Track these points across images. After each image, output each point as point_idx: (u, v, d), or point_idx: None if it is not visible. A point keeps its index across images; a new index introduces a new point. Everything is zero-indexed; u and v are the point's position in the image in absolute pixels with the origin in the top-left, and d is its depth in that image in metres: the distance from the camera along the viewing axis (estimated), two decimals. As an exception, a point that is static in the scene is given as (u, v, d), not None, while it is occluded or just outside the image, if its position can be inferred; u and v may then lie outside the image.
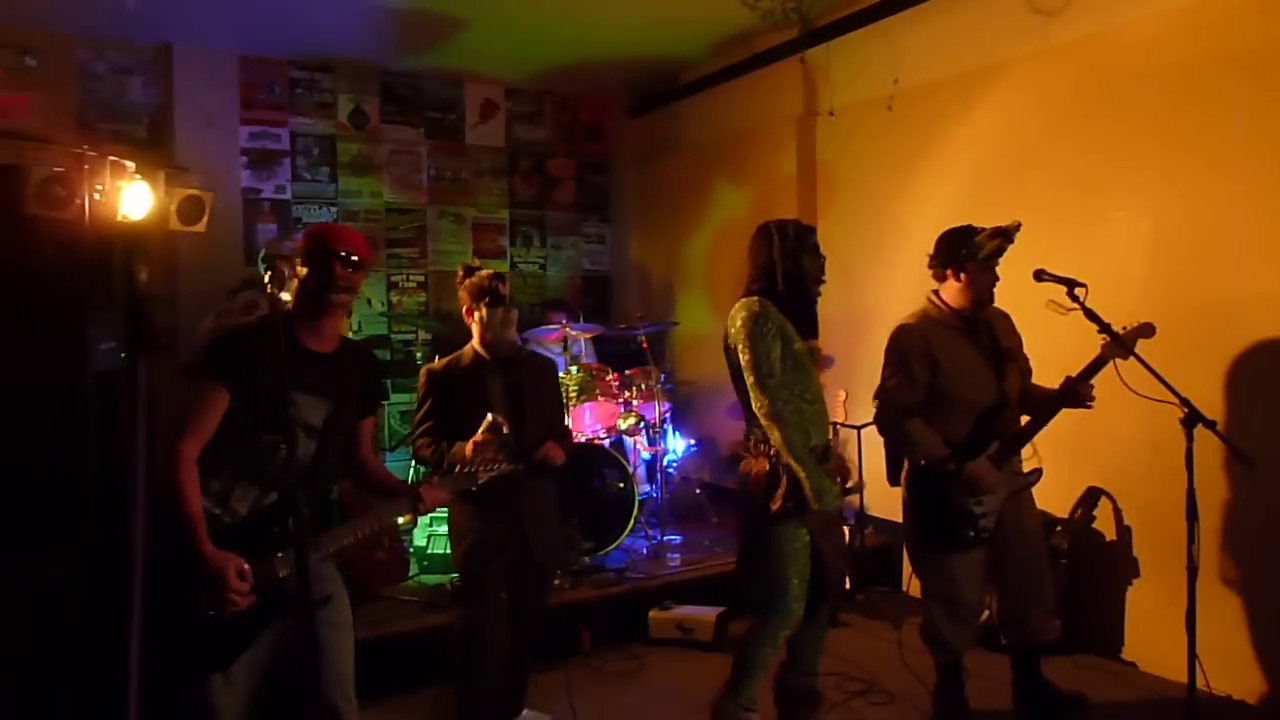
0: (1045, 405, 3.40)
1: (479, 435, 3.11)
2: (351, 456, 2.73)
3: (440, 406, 3.42)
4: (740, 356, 3.12)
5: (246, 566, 2.28)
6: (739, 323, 3.14)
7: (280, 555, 2.37)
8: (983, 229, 3.37)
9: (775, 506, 3.09)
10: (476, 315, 3.43)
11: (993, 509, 3.37)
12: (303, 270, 2.49)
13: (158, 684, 2.41)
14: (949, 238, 3.44)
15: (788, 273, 3.20)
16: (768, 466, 3.12)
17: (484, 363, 3.46)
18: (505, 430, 3.12)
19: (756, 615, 3.26)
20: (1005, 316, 3.57)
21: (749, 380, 3.11)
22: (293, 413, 2.37)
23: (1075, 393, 3.31)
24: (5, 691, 3.46)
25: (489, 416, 3.14)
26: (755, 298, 3.18)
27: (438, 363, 3.54)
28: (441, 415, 3.40)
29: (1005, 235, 3.31)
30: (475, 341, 3.49)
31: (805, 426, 3.14)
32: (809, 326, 3.24)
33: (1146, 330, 3.25)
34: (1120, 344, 3.20)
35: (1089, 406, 3.32)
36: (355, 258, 2.49)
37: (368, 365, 2.74)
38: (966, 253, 3.35)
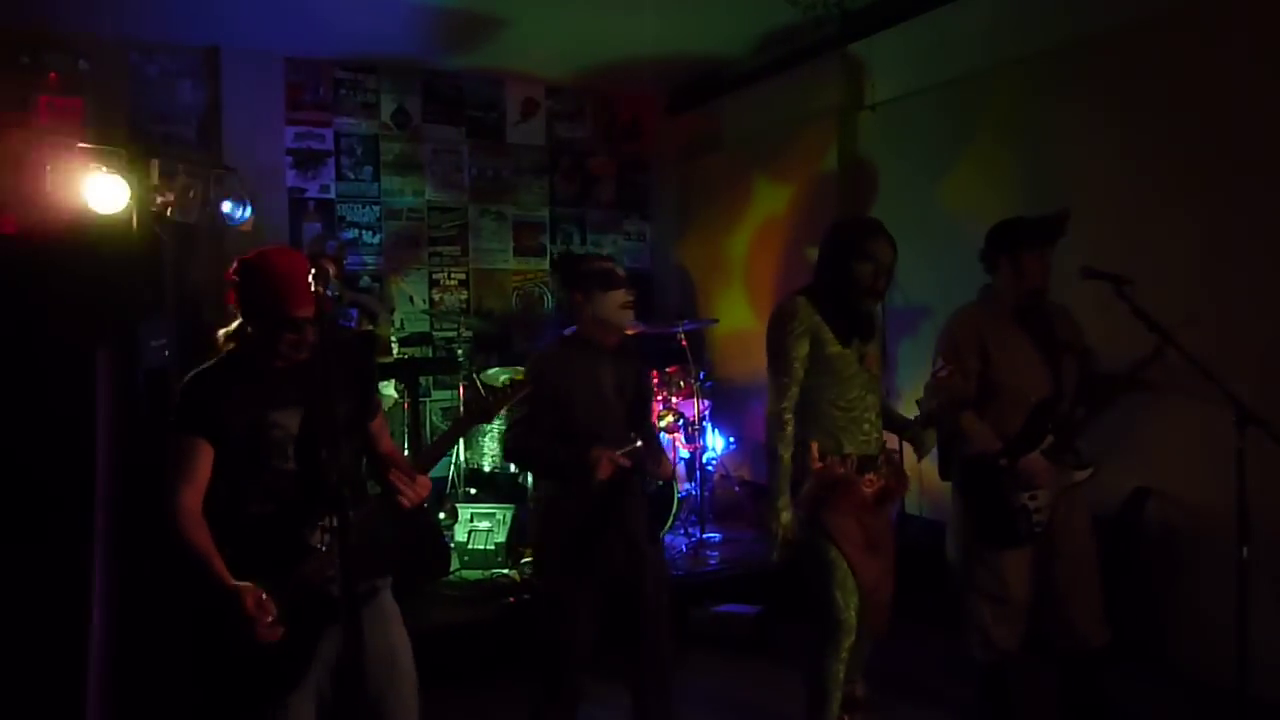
0: (1098, 395, 3.35)
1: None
2: (376, 464, 2.58)
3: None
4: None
5: (265, 596, 2.20)
6: (769, 320, 3.14)
7: (307, 565, 2.31)
8: (1031, 217, 3.33)
9: (800, 511, 3.05)
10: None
11: (1047, 504, 3.31)
12: (244, 308, 2.33)
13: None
14: (1000, 227, 3.39)
15: (826, 277, 3.14)
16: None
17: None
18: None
19: (814, 631, 3.14)
20: (1065, 310, 3.50)
21: (768, 378, 3.08)
22: (279, 434, 2.34)
23: (1129, 378, 3.26)
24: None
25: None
26: (795, 297, 3.15)
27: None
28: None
29: (1056, 221, 3.25)
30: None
31: (834, 433, 3.08)
32: (854, 331, 3.12)
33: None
34: (1171, 342, 3.13)
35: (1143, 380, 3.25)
36: (303, 318, 2.25)
37: (351, 359, 2.52)
38: (1018, 238, 3.30)
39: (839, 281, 3.10)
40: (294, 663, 2.31)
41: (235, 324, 2.41)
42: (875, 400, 3.18)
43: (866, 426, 3.12)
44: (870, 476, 3.11)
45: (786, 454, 3.06)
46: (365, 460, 2.60)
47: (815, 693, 3.14)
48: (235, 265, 2.35)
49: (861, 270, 3.06)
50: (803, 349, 3.06)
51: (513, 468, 5.53)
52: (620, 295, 3.14)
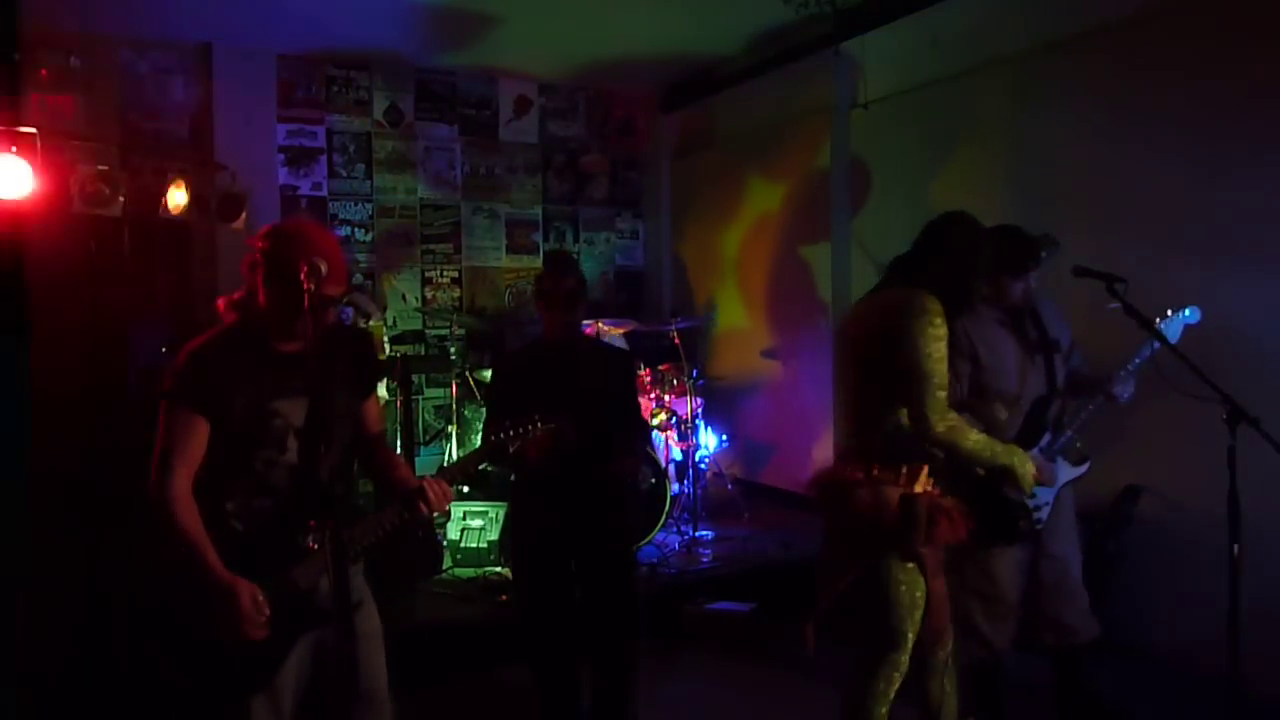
0: (1085, 392, 3.36)
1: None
2: (359, 441, 2.48)
3: None
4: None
5: (262, 597, 2.13)
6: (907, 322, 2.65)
7: (300, 566, 2.24)
8: (1022, 235, 3.32)
9: (914, 543, 2.67)
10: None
11: (1046, 500, 3.33)
12: (269, 277, 2.20)
13: (197, 705, 2.33)
14: (990, 242, 3.38)
15: (950, 275, 2.81)
16: (898, 497, 2.70)
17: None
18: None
19: (865, 662, 2.81)
20: (1051, 306, 3.51)
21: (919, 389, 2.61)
22: (279, 424, 2.25)
23: (1109, 393, 3.28)
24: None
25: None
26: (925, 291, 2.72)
27: None
28: None
29: (1040, 251, 3.26)
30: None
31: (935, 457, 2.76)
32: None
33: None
34: (1162, 340, 3.15)
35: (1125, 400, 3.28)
36: (324, 268, 2.14)
37: (353, 347, 2.45)
38: (1000, 262, 3.31)
39: (963, 283, 2.82)
40: (264, 666, 2.21)
41: (240, 293, 2.28)
42: None
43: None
44: (953, 501, 2.81)
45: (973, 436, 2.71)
46: (356, 452, 2.49)
47: (859, 712, 2.83)
48: (265, 230, 2.26)
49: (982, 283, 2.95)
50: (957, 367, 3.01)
51: (505, 466, 5.53)
52: (554, 315, 3.29)
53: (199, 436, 2.18)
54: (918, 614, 2.77)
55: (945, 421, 2.62)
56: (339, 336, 2.39)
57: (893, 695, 2.83)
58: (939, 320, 2.62)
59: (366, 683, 2.34)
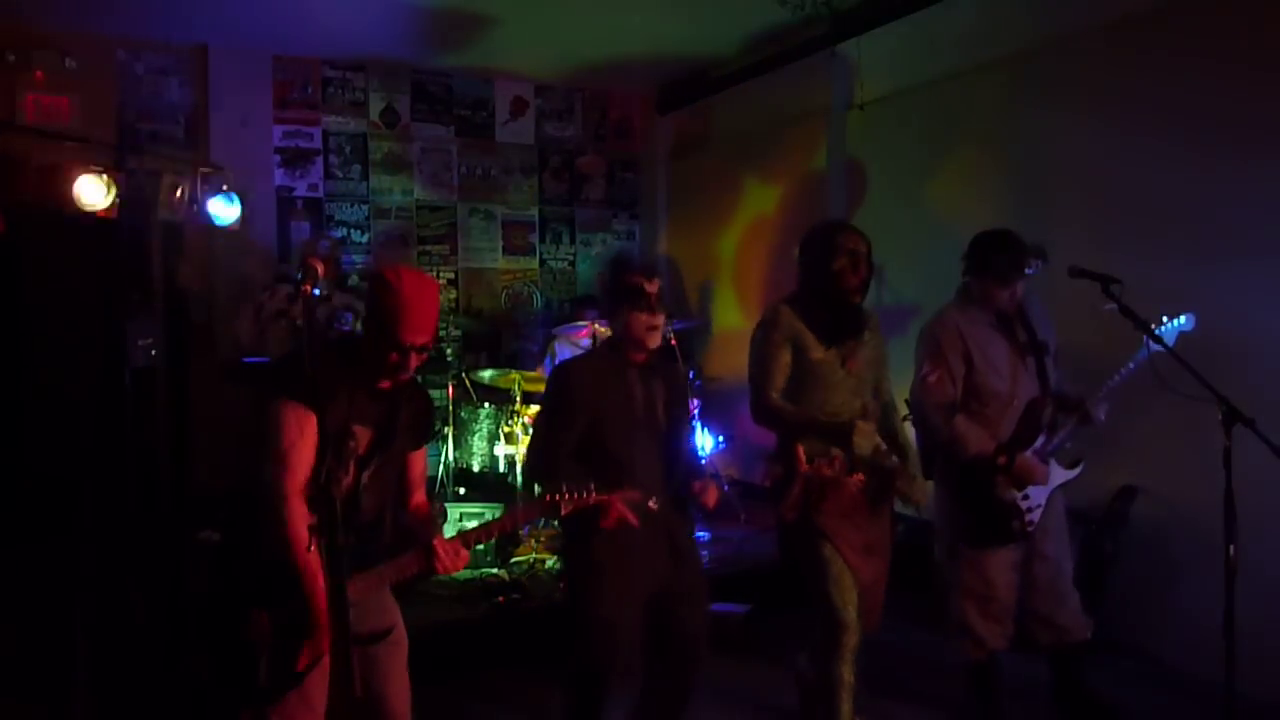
0: (1062, 411, 3.39)
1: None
2: (399, 492, 2.57)
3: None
4: None
5: None
6: (754, 330, 3.20)
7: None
8: (1011, 245, 3.33)
9: (788, 516, 3.07)
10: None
11: (1039, 502, 3.36)
12: (367, 319, 2.34)
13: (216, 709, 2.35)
14: (980, 245, 3.39)
15: (809, 280, 3.18)
16: (781, 473, 3.09)
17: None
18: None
19: (821, 650, 3.12)
20: (1042, 308, 3.53)
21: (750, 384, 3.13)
22: (352, 445, 2.31)
23: (1085, 415, 3.32)
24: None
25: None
26: (778, 305, 3.18)
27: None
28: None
29: (1024, 263, 3.28)
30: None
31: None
32: (841, 331, 3.13)
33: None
34: (1158, 341, 3.16)
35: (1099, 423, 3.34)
36: (414, 344, 2.29)
37: (419, 402, 2.56)
38: (989, 270, 3.33)
39: (821, 281, 3.12)
40: (287, 680, 2.27)
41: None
42: (864, 404, 3.16)
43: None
44: (859, 477, 3.10)
45: (787, 409, 3.09)
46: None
47: (827, 696, 3.12)
48: (375, 273, 2.41)
49: (840, 265, 3.08)
50: (785, 357, 3.10)
51: (501, 467, 5.52)
52: (648, 318, 2.91)
53: (311, 440, 2.20)
54: (849, 594, 3.04)
55: (762, 405, 3.12)
56: (411, 390, 2.50)
57: (850, 655, 3.06)
58: (775, 333, 3.12)
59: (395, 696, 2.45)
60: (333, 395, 2.26)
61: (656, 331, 2.92)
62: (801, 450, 3.08)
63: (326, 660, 2.30)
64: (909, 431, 3.44)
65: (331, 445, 2.19)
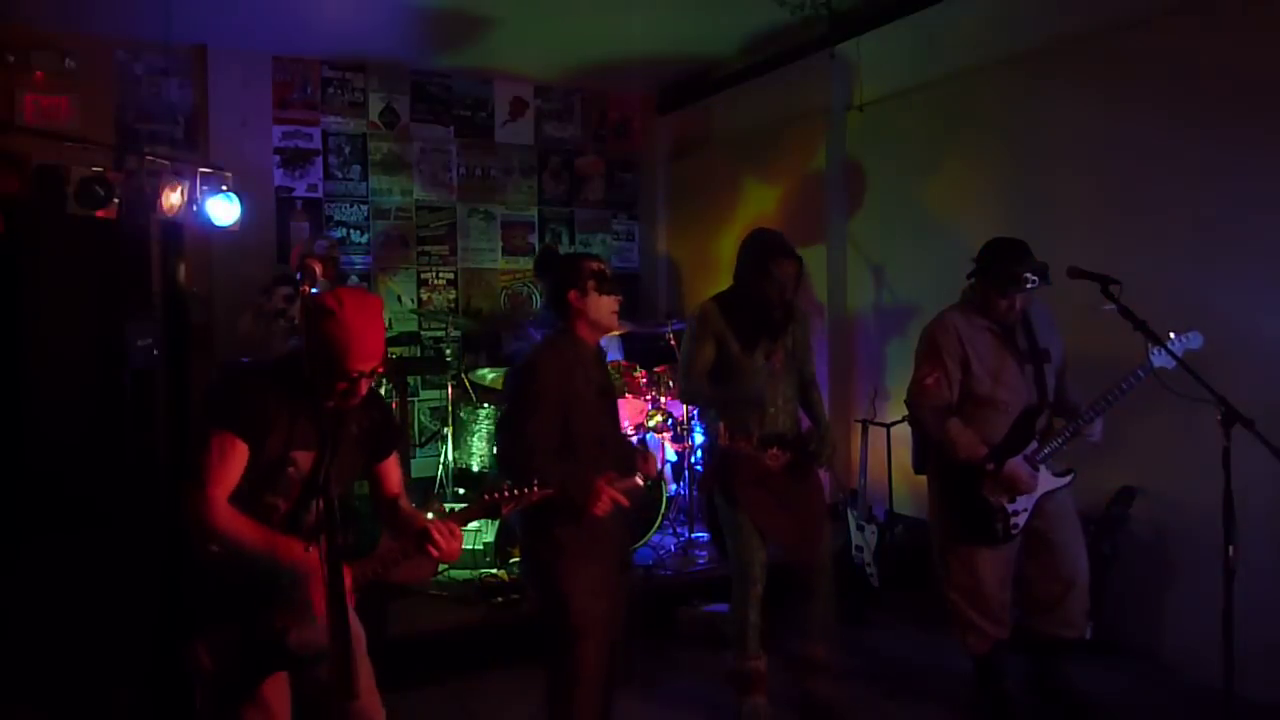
0: (1067, 420, 3.40)
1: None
2: (378, 500, 2.58)
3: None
4: None
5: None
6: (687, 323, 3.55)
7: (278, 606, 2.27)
8: (1013, 257, 3.32)
9: (704, 488, 3.46)
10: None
11: (1025, 508, 3.37)
12: (310, 346, 2.26)
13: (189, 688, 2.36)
14: (988, 253, 3.39)
15: (737, 288, 3.53)
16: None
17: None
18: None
19: (732, 596, 3.58)
20: (1047, 314, 3.53)
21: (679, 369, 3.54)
22: (292, 472, 2.29)
23: (1079, 429, 3.35)
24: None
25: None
26: (707, 303, 3.55)
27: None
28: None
29: (1024, 278, 3.27)
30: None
31: (741, 418, 3.42)
32: (761, 335, 3.45)
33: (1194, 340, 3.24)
34: (1158, 341, 3.16)
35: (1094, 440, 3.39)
36: (360, 372, 2.23)
37: (374, 414, 2.50)
38: (989, 277, 3.33)
39: (747, 291, 3.45)
40: (279, 657, 2.30)
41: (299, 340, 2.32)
42: (784, 388, 3.50)
43: (773, 411, 3.47)
44: (774, 451, 3.42)
45: (704, 389, 3.50)
46: (379, 511, 2.57)
47: (732, 634, 3.55)
48: (314, 300, 2.29)
49: (765, 287, 3.40)
50: (709, 351, 3.47)
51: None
52: (612, 301, 2.98)
53: (238, 464, 2.22)
54: (756, 553, 3.44)
55: (684, 388, 3.63)
56: (365, 403, 2.42)
57: (754, 602, 3.46)
58: (696, 324, 3.53)
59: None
60: (270, 424, 2.23)
61: (616, 314, 3.02)
62: (724, 427, 3.42)
63: (282, 674, 2.34)
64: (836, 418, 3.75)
65: (267, 471, 2.24)
